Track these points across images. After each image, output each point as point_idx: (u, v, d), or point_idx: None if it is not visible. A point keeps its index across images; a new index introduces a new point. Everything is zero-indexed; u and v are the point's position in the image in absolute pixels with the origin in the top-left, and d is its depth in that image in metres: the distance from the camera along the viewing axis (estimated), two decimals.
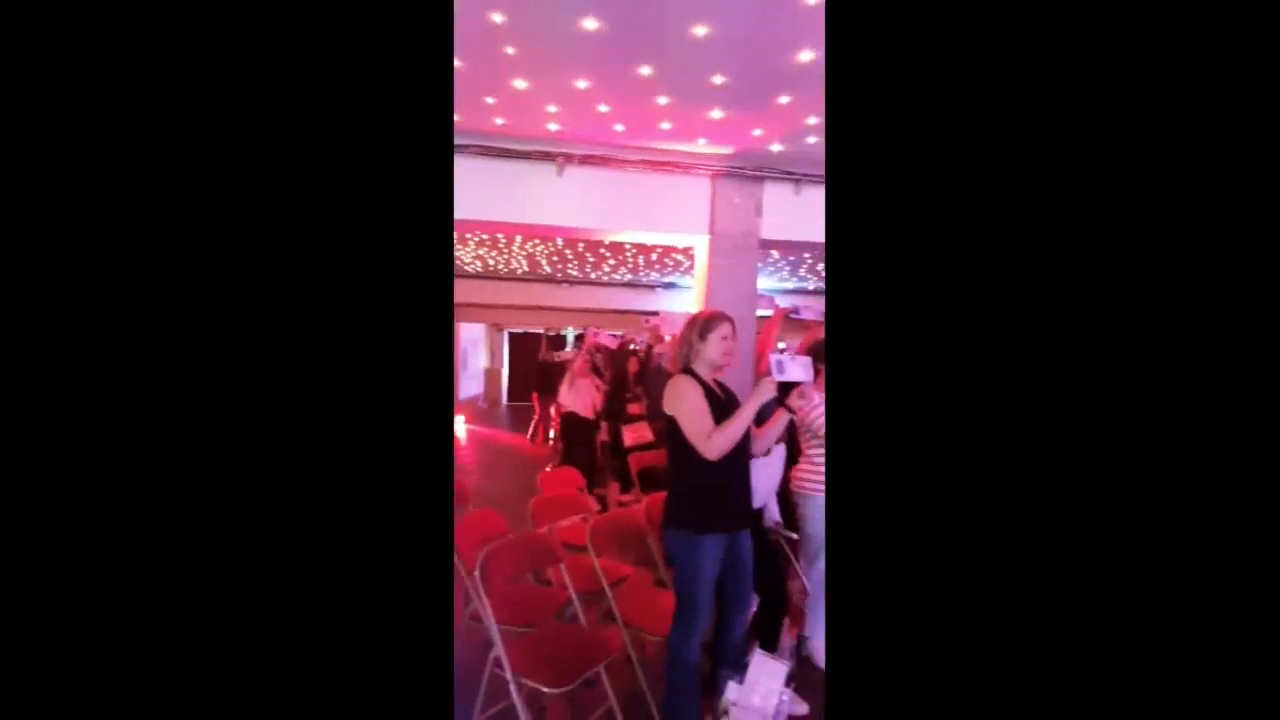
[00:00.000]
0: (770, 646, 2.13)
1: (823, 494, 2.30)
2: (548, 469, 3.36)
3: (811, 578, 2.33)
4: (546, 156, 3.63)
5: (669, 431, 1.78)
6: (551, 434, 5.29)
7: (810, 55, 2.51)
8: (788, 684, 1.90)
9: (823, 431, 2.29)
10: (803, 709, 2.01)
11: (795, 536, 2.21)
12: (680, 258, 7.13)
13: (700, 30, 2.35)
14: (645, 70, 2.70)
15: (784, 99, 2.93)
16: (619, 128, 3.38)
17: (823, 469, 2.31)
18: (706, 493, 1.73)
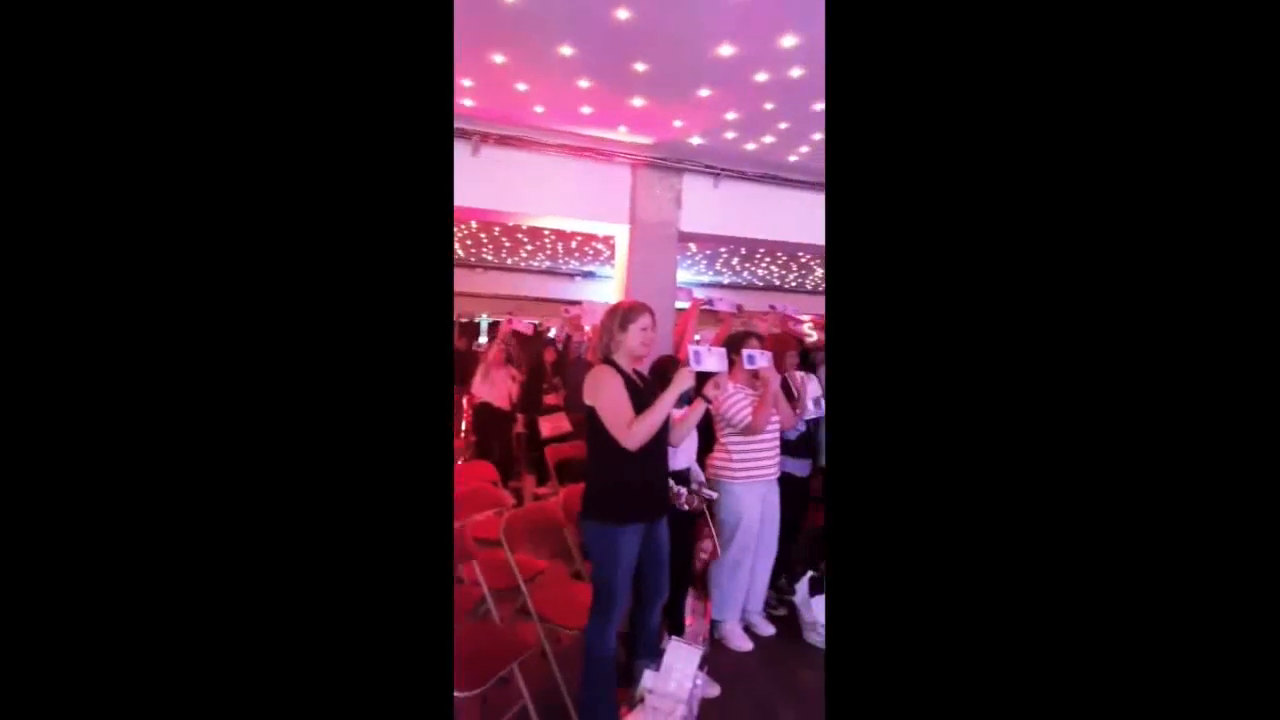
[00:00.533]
0: (678, 627, 2.17)
1: (736, 481, 2.37)
2: (460, 462, 3.23)
3: (723, 562, 2.40)
4: (462, 134, 3.45)
5: (588, 422, 1.75)
6: (464, 426, 5.10)
7: (730, 50, 2.54)
8: (701, 667, 1.95)
9: (737, 420, 2.35)
10: (714, 691, 2.07)
11: (715, 495, 2.27)
12: (600, 246, 7.08)
13: (622, 14, 2.32)
14: (566, 50, 2.62)
15: (704, 92, 2.95)
16: (538, 109, 3.28)
17: (735, 457, 2.38)
18: (625, 483, 1.72)
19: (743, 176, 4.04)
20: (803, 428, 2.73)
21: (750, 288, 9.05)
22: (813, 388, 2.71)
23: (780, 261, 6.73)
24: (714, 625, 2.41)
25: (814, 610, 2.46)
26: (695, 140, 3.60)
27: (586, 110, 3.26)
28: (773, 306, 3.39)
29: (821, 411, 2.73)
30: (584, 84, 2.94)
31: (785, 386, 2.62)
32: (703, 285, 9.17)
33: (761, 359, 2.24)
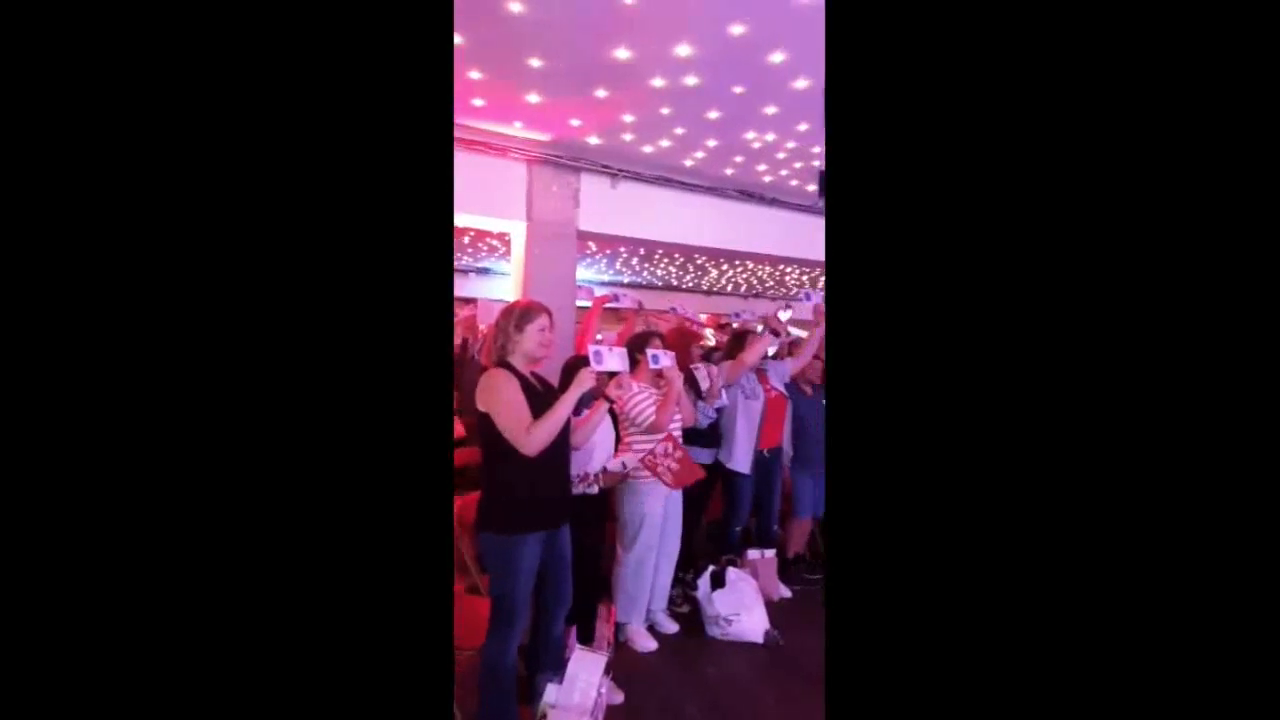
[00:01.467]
0: (588, 634, 2.14)
1: (640, 480, 2.37)
2: None
3: (627, 562, 2.40)
4: None
5: (481, 428, 1.66)
6: None
7: (626, 54, 2.54)
8: (606, 673, 1.93)
9: (640, 419, 2.36)
10: (619, 698, 2.06)
11: (625, 466, 2.26)
12: (495, 243, 6.85)
13: (515, 7, 2.23)
14: (456, 39, 2.49)
15: (601, 92, 2.93)
16: None
17: (639, 456, 2.39)
18: (524, 491, 1.66)
19: (640, 178, 4.08)
20: (713, 415, 2.80)
21: (650, 287, 9.19)
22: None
23: (678, 263, 6.89)
24: (618, 628, 2.40)
25: (716, 604, 2.52)
26: (593, 140, 3.57)
27: (479, 103, 3.13)
28: (673, 309, 3.45)
29: (725, 402, 2.82)
30: (475, 74, 2.81)
31: (691, 380, 2.67)
32: (604, 284, 9.17)
33: (665, 358, 2.27)
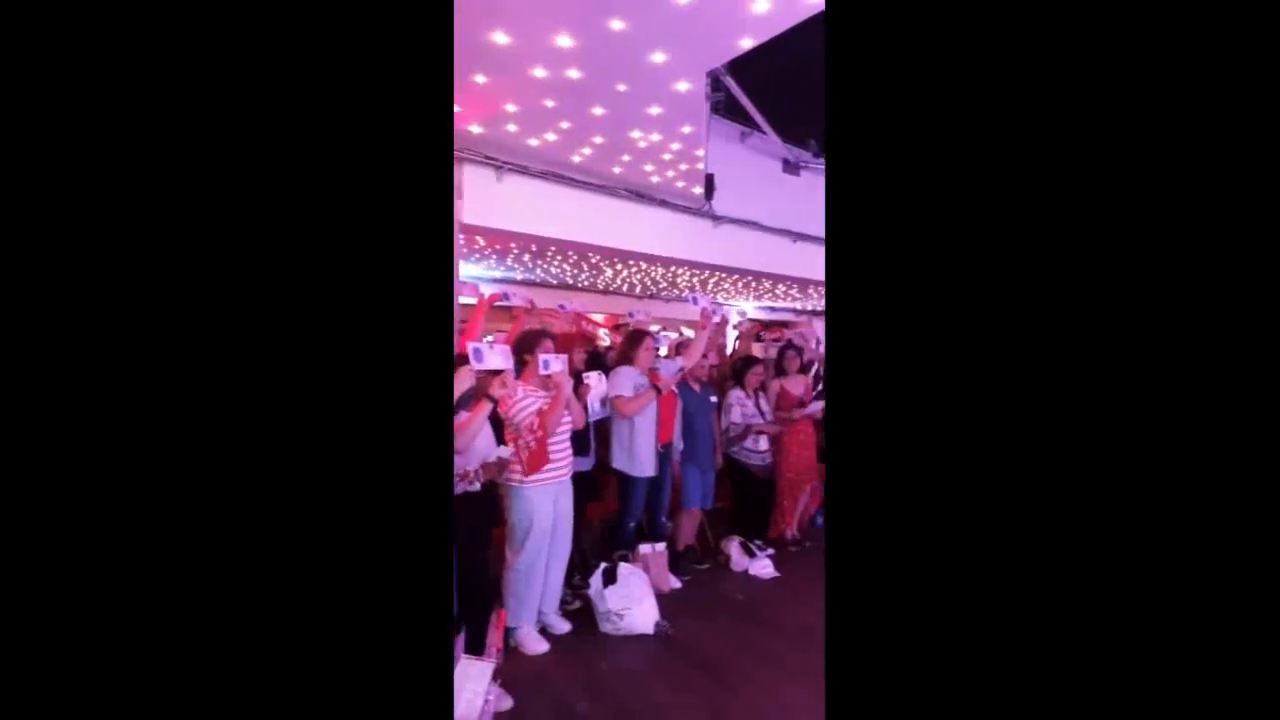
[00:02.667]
0: (478, 643, 2.05)
1: (526, 485, 2.31)
2: None
3: (516, 566, 2.33)
4: None
5: None
6: None
7: (505, 39, 2.46)
8: (495, 680, 1.86)
9: (524, 422, 2.29)
10: (507, 704, 1.99)
11: (507, 453, 2.19)
12: None
13: None
14: None
15: (480, 78, 2.82)
16: None
17: (521, 461, 2.32)
18: None
19: (527, 172, 3.98)
20: (604, 413, 2.78)
21: (545, 285, 9.04)
22: (601, 388, 2.77)
23: (572, 260, 6.84)
24: (508, 633, 2.33)
25: (608, 600, 2.52)
26: (474, 129, 3.43)
27: None
28: (561, 306, 3.40)
29: (606, 412, 2.81)
30: None
31: (577, 381, 2.64)
32: (495, 281, 8.88)
33: (556, 363, 2.22)
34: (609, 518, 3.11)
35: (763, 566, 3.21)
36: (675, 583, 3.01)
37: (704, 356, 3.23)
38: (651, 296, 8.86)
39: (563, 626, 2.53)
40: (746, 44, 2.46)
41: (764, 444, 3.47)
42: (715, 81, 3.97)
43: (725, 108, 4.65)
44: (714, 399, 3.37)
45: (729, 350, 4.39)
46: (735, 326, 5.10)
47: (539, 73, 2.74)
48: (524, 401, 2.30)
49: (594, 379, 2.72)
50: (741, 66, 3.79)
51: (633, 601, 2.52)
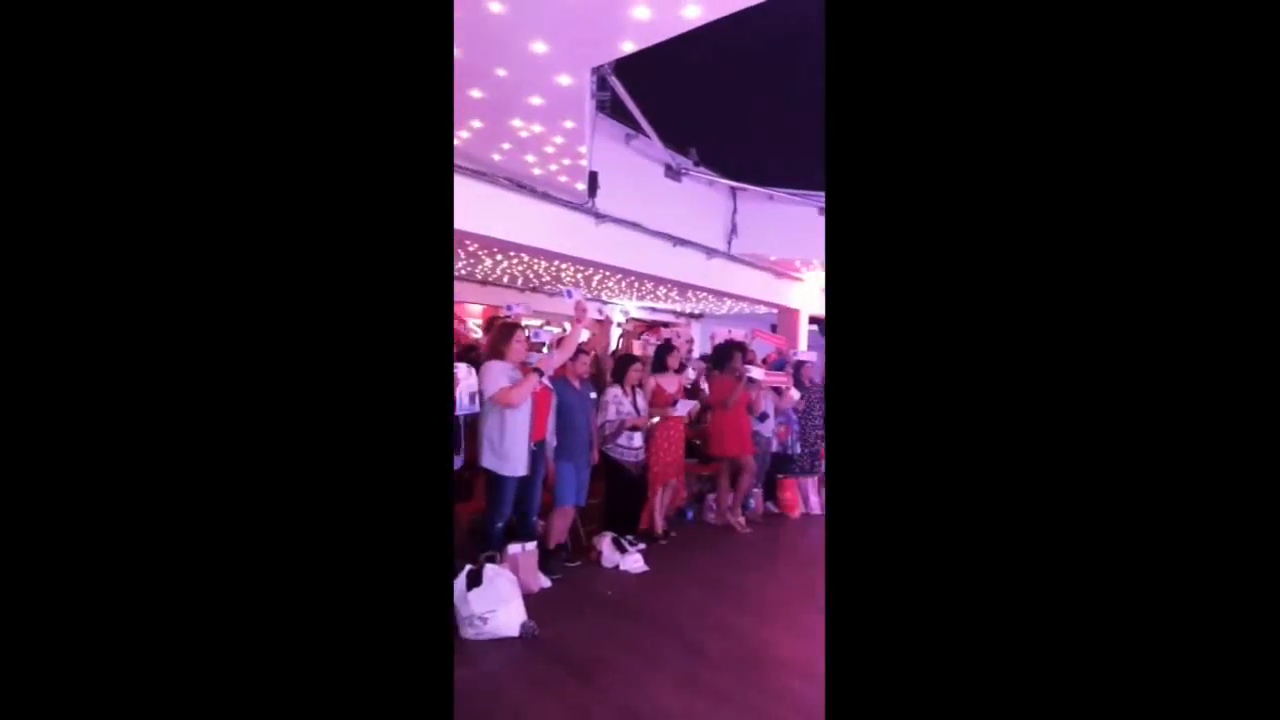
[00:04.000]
0: None
1: None
2: None
3: None
4: None
5: None
6: None
7: None
8: None
9: None
10: None
11: None
12: None
13: None
14: None
15: None
16: None
17: None
18: None
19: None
20: (474, 409, 2.66)
21: None
22: (470, 382, 2.66)
23: None
24: None
25: (471, 604, 2.43)
26: None
27: None
28: None
29: (476, 408, 2.71)
30: None
31: None
32: None
33: None
34: (477, 518, 3.00)
35: (634, 561, 3.27)
36: (545, 582, 2.97)
37: (586, 354, 3.23)
38: (534, 290, 8.70)
39: None
40: (628, 47, 2.49)
41: (638, 440, 3.54)
42: (601, 80, 3.97)
43: (611, 108, 4.68)
44: (593, 395, 3.38)
45: (612, 349, 4.42)
46: (620, 325, 5.15)
47: None
48: None
49: (462, 371, 2.60)
50: (627, 69, 3.84)
51: (499, 604, 2.45)
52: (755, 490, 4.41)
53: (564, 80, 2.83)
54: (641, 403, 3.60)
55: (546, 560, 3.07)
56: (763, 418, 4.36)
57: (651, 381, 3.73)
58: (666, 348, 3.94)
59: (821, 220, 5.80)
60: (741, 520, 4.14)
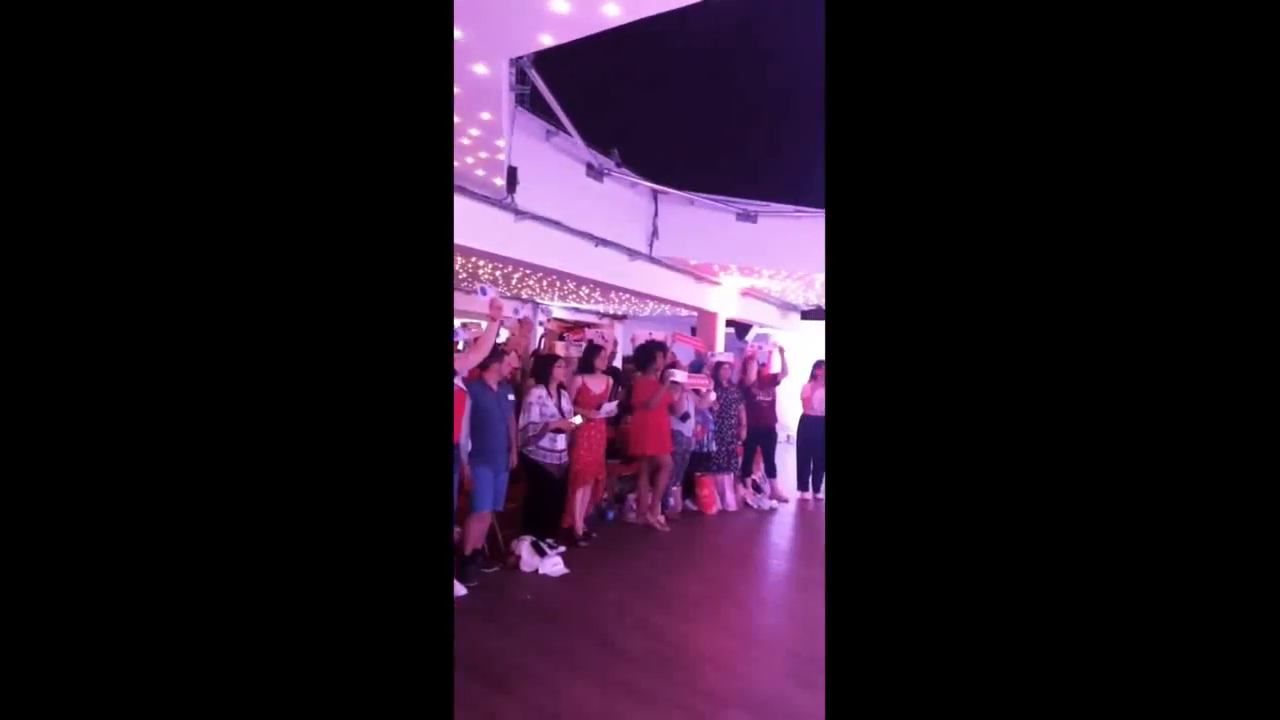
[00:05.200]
0: None
1: None
2: None
3: None
4: None
5: None
6: None
7: None
8: None
9: None
10: None
11: None
12: None
13: None
14: None
15: None
16: None
17: None
18: None
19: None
20: None
21: None
22: None
23: None
24: None
25: None
26: None
27: None
28: None
29: None
30: None
31: None
32: None
33: None
34: None
35: (553, 564, 3.21)
36: (460, 590, 2.85)
37: (507, 354, 3.13)
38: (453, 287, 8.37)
39: None
40: (547, 40, 2.44)
41: (561, 442, 3.49)
42: (521, 73, 3.88)
43: (531, 103, 4.58)
44: (511, 398, 3.29)
45: (533, 349, 4.33)
46: (542, 324, 5.05)
47: None
48: None
49: None
50: (548, 65, 3.78)
51: None
52: (674, 489, 4.47)
53: (480, 69, 2.73)
54: (566, 404, 3.55)
55: (462, 567, 2.95)
56: (685, 417, 4.43)
57: (578, 381, 3.69)
58: (594, 349, 3.91)
59: (738, 226, 5.99)
60: (661, 519, 4.18)
